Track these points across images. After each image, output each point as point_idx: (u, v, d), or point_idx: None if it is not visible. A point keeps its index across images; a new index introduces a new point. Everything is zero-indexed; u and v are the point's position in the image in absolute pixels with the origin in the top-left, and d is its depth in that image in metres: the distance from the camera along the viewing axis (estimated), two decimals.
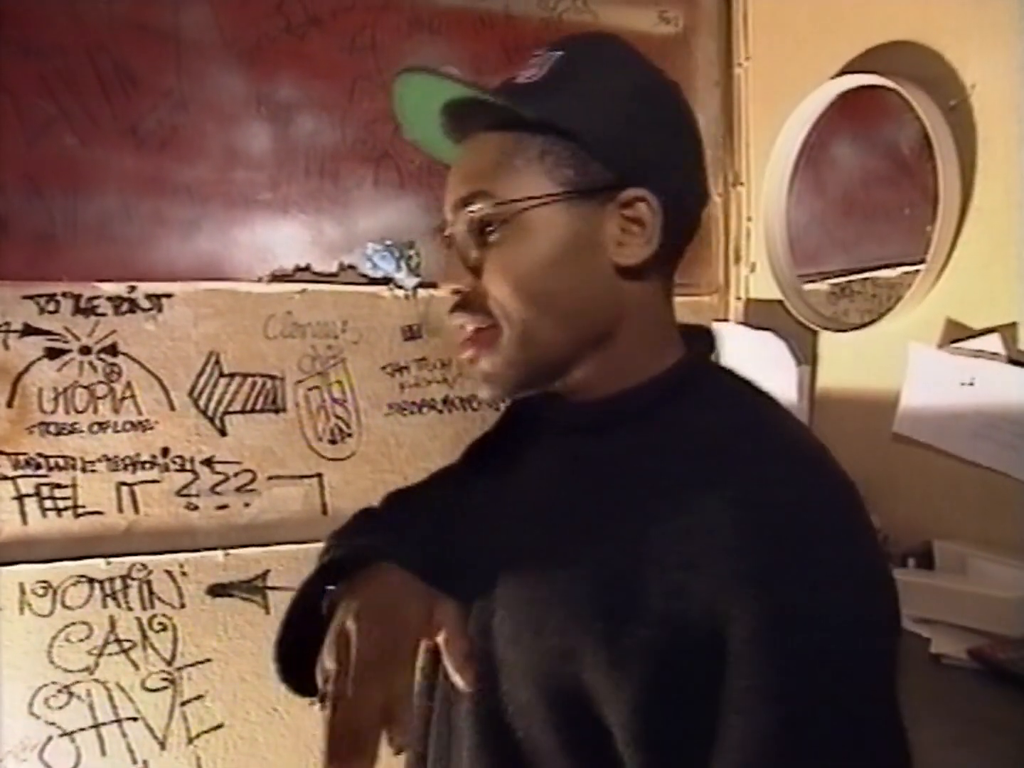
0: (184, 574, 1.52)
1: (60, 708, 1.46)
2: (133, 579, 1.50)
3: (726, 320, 1.84)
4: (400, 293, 1.63)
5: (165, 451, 1.51)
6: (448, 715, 0.68)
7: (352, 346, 1.62)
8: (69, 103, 1.42)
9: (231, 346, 1.55)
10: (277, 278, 1.56)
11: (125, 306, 1.49)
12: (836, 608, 0.50)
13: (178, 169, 1.49)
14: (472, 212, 0.61)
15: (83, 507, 1.47)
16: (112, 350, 1.48)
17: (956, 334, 1.29)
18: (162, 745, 1.52)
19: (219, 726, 1.55)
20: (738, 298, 1.84)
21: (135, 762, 1.50)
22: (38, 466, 1.44)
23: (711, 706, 0.50)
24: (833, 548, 0.52)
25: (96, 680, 1.48)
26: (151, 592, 1.51)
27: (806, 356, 1.60)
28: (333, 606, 0.59)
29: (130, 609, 1.50)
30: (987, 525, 1.22)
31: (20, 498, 1.44)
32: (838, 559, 0.52)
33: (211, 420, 1.54)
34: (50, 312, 1.44)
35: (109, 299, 1.48)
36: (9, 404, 1.43)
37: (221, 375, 1.54)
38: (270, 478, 1.58)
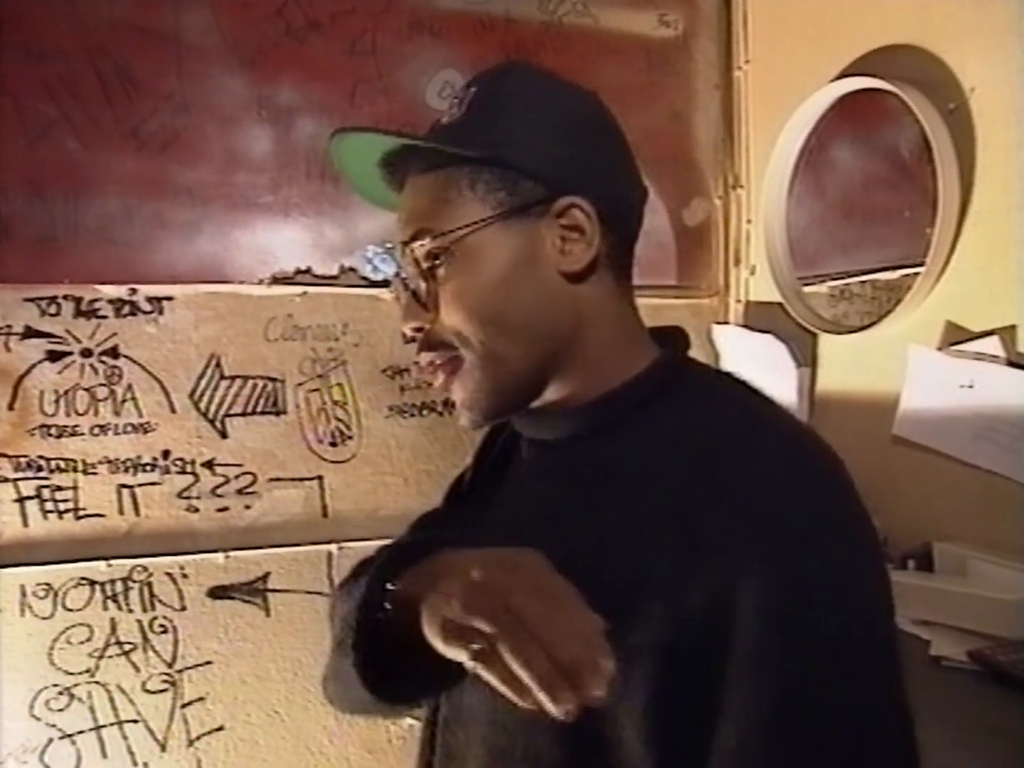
0: (185, 576, 1.52)
1: (61, 710, 1.46)
2: (134, 581, 1.50)
3: (726, 322, 1.84)
4: None
5: (166, 453, 1.51)
6: (452, 726, 0.68)
7: (353, 348, 1.62)
8: (70, 106, 1.42)
9: (232, 348, 1.55)
10: (278, 281, 1.57)
11: (126, 309, 1.49)
12: (835, 592, 0.52)
13: (179, 172, 1.49)
14: (415, 249, 0.63)
15: (84, 509, 1.47)
16: (113, 353, 1.48)
17: (956, 336, 1.29)
18: (163, 747, 1.52)
19: (220, 728, 1.55)
20: (738, 300, 1.84)
21: (135, 764, 1.50)
22: (39, 468, 1.45)
23: (718, 699, 0.51)
24: (826, 535, 0.53)
25: (97, 682, 1.48)
26: (152, 594, 1.51)
27: (806, 358, 1.61)
28: (403, 600, 0.55)
29: (131, 611, 1.50)
30: (987, 527, 1.22)
31: (21, 500, 1.44)
32: (831, 546, 0.53)
33: (212, 422, 1.54)
34: (51, 315, 1.45)
35: (110, 302, 1.48)
36: (10, 407, 1.43)
37: (222, 377, 1.54)
38: (271, 480, 1.58)
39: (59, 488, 1.46)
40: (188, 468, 1.52)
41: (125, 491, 1.49)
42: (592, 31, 1.72)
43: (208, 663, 1.54)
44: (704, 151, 1.85)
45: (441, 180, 0.63)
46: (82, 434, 1.47)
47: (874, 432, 1.39)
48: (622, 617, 0.54)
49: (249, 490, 1.56)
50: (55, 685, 1.46)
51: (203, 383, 1.53)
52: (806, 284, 1.61)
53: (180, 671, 1.53)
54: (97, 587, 1.48)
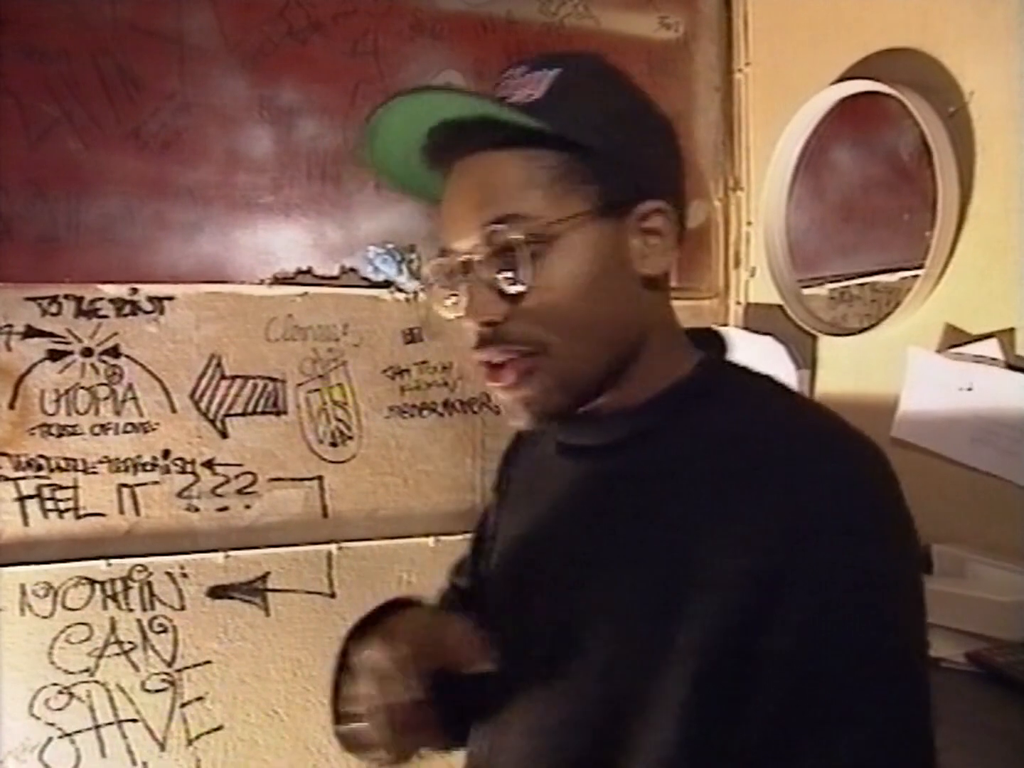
0: (184, 576, 1.53)
1: (60, 709, 1.46)
2: (134, 581, 1.50)
3: (726, 324, 1.85)
4: (401, 296, 1.64)
5: (166, 453, 1.52)
6: (476, 733, 0.70)
7: (353, 349, 1.62)
8: (72, 106, 1.42)
9: (232, 348, 1.55)
10: (279, 281, 1.57)
11: (127, 308, 1.49)
12: (873, 604, 0.52)
13: (180, 172, 1.49)
14: (503, 235, 0.58)
15: (84, 509, 1.47)
16: (114, 352, 1.48)
17: (954, 339, 1.29)
18: (162, 747, 1.52)
19: (219, 728, 1.55)
20: (738, 302, 1.84)
21: (135, 763, 1.50)
22: (39, 468, 1.45)
23: (750, 698, 0.51)
24: (870, 545, 0.53)
25: (96, 681, 1.48)
26: (151, 594, 1.51)
27: (805, 360, 1.61)
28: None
29: (130, 611, 1.50)
30: (985, 529, 1.23)
31: (21, 499, 1.44)
32: (873, 556, 0.52)
33: (212, 422, 1.54)
34: (52, 314, 1.45)
35: (111, 301, 1.48)
36: (11, 406, 1.43)
37: (222, 377, 1.55)
38: (271, 480, 1.58)
39: (59, 487, 1.46)
40: (188, 468, 1.53)
41: (125, 490, 1.49)
42: (593, 33, 1.72)
43: (207, 663, 1.55)
44: (704, 153, 1.86)
45: (530, 163, 0.59)
46: (82, 433, 1.47)
47: (873, 434, 1.37)
48: (666, 617, 0.54)
49: (249, 490, 1.56)
50: (55, 684, 1.46)
51: (204, 383, 1.54)
52: (806, 286, 1.62)
53: (179, 670, 1.53)
54: (97, 586, 1.48)
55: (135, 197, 1.47)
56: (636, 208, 0.61)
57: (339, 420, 1.62)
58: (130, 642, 1.50)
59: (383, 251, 1.62)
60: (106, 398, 1.48)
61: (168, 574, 1.52)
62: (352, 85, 1.58)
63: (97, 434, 1.48)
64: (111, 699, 1.49)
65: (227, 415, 1.55)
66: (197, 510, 1.53)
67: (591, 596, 0.60)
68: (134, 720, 1.50)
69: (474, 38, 1.64)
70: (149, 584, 1.51)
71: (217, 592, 1.55)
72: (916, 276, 1.32)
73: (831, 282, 1.57)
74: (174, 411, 1.52)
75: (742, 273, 1.84)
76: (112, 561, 1.48)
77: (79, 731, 1.47)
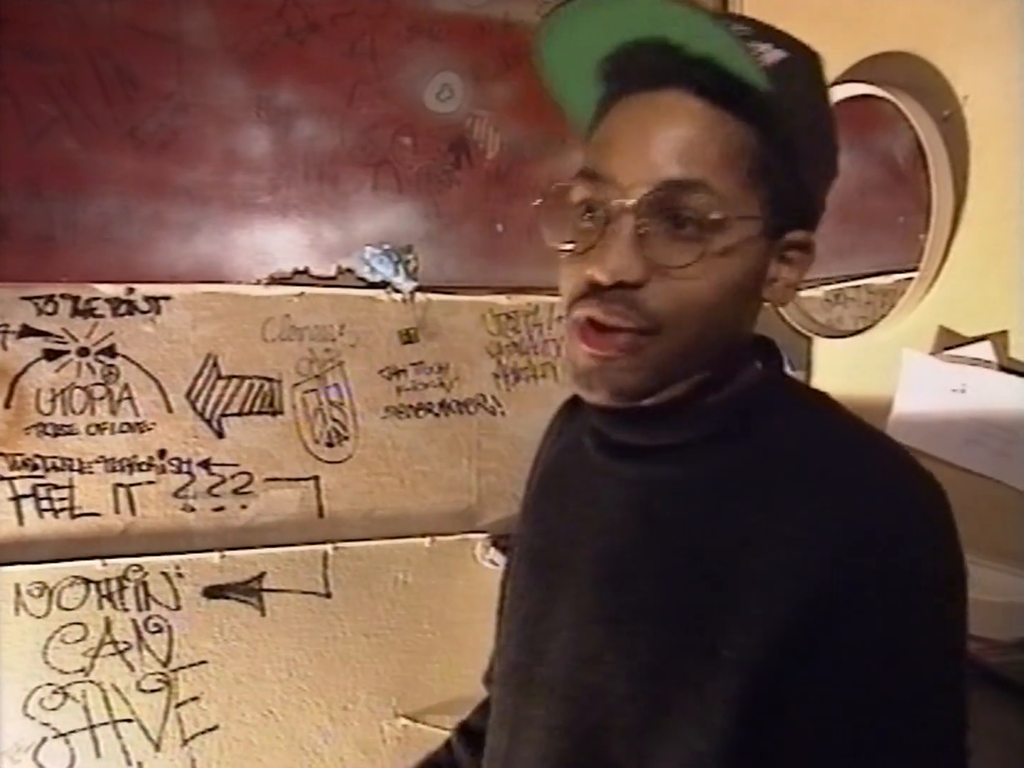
0: (180, 576, 1.53)
1: (55, 709, 1.46)
2: (129, 580, 1.50)
3: None
4: (398, 297, 1.64)
5: (162, 453, 1.52)
6: (499, 730, 0.67)
7: (349, 349, 1.62)
8: (70, 105, 1.42)
9: (229, 348, 1.55)
10: (275, 281, 1.57)
11: (123, 308, 1.49)
12: (929, 620, 0.50)
13: (178, 172, 1.49)
14: (691, 202, 0.51)
15: (80, 508, 1.47)
16: (110, 352, 1.48)
17: (948, 341, 1.30)
18: (157, 747, 1.52)
19: (214, 728, 1.55)
20: None
21: (130, 764, 1.50)
22: (35, 467, 1.45)
23: (790, 717, 0.50)
24: (928, 559, 0.51)
25: (91, 681, 1.48)
26: (147, 593, 1.51)
27: (801, 362, 1.61)
28: None
29: (126, 610, 1.50)
30: (978, 531, 1.22)
31: (17, 499, 1.44)
32: (931, 571, 0.51)
33: (208, 422, 1.54)
34: (48, 313, 1.45)
35: (107, 301, 1.48)
36: (7, 405, 1.43)
37: (219, 377, 1.55)
38: (267, 480, 1.58)
39: (55, 487, 1.46)
40: (184, 467, 1.53)
41: (121, 490, 1.49)
42: None
43: (203, 662, 1.55)
44: None
45: (740, 136, 0.52)
46: (78, 433, 1.47)
47: None
48: (710, 630, 0.53)
49: (245, 490, 1.56)
50: (49, 684, 1.46)
51: (200, 383, 1.54)
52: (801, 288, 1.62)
53: (175, 670, 1.53)
54: (92, 586, 1.48)
55: (132, 197, 1.47)
56: (789, 234, 0.57)
57: (335, 420, 1.62)
58: (125, 642, 1.50)
59: (380, 252, 1.62)
60: (102, 398, 1.48)
61: (164, 574, 1.52)
62: (350, 86, 1.58)
63: (93, 434, 1.48)
64: (106, 699, 1.49)
65: (223, 415, 1.55)
66: (193, 510, 1.53)
67: (631, 600, 0.58)
68: (129, 720, 1.50)
69: (471, 40, 1.64)
70: (144, 584, 1.51)
71: (213, 592, 1.55)
72: (910, 279, 1.33)
73: (826, 284, 1.58)
74: (170, 411, 1.52)
75: None
76: (107, 561, 1.48)
77: (74, 731, 1.47)
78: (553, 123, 1.68)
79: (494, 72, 1.65)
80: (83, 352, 1.47)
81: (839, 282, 1.55)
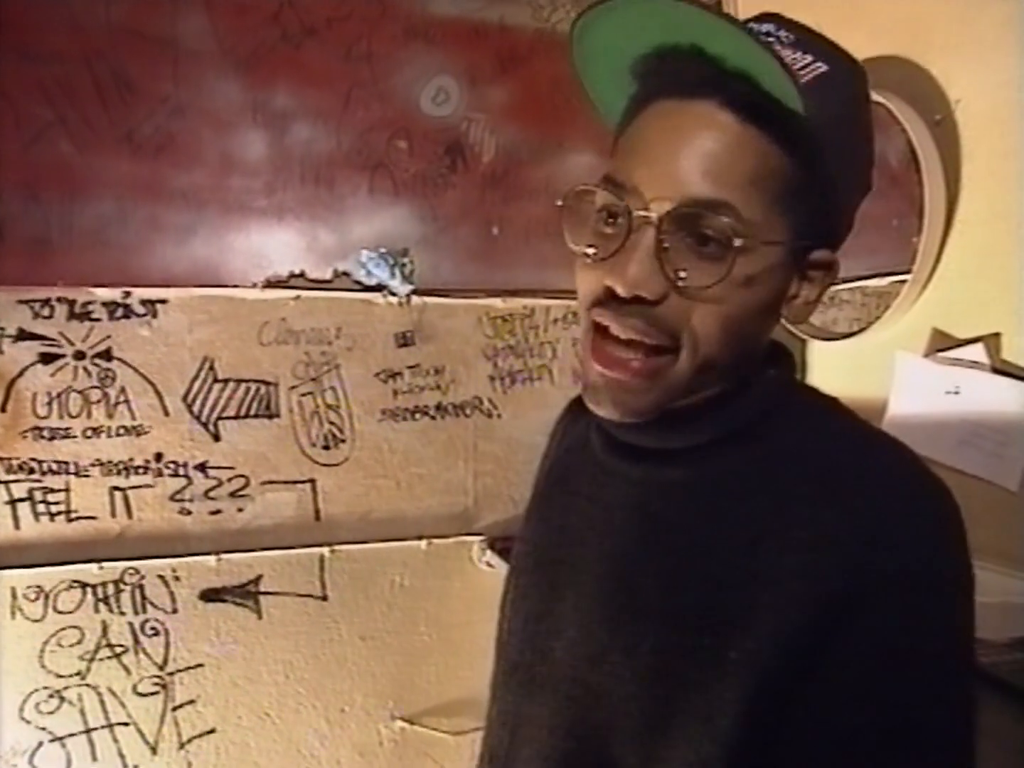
0: (177, 579, 1.53)
1: (51, 713, 1.46)
2: (125, 584, 1.50)
3: None
4: (394, 300, 1.64)
5: (159, 456, 1.52)
6: (499, 729, 0.67)
7: (346, 352, 1.63)
8: (66, 109, 1.42)
9: (225, 352, 1.55)
10: (272, 284, 1.57)
11: (120, 311, 1.49)
12: (939, 623, 0.51)
13: (174, 175, 1.49)
14: (715, 223, 0.50)
15: (76, 512, 1.47)
16: (106, 355, 1.48)
17: (942, 343, 1.31)
18: (153, 750, 1.52)
19: (211, 731, 1.55)
20: None
21: (126, 767, 1.50)
22: (31, 471, 1.44)
23: (795, 719, 0.50)
24: (937, 562, 0.51)
25: (87, 685, 1.48)
26: (143, 597, 1.51)
27: (796, 365, 1.62)
28: None
29: (122, 614, 1.50)
30: (971, 531, 1.23)
31: (13, 503, 1.44)
32: (940, 573, 0.51)
33: (205, 425, 1.54)
34: (44, 317, 1.45)
35: (104, 304, 1.48)
36: (3, 408, 1.43)
37: (215, 381, 1.55)
38: (263, 483, 1.58)
39: (51, 490, 1.46)
40: (181, 471, 1.53)
41: (117, 493, 1.49)
42: None
43: (199, 666, 1.54)
44: None
45: (772, 158, 0.50)
46: (75, 436, 1.47)
47: None
48: (720, 631, 0.52)
49: (242, 493, 1.57)
50: (45, 688, 1.46)
51: (196, 386, 1.54)
52: None
53: (171, 674, 1.53)
54: (88, 589, 1.48)
55: (128, 200, 1.47)
56: (813, 253, 0.56)
57: (331, 423, 1.62)
58: (121, 645, 1.50)
59: (376, 255, 1.62)
60: (98, 401, 1.48)
61: (160, 577, 1.52)
62: (345, 89, 1.58)
63: (89, 437, 1.47)
64: (102, 703, 1.49)
65: (220, 418, 1.55)
66: (189, 513, 1.53)
67: (636, 600, 0.58)
68: (125, 724, 1.50)
69: (467, 43, 1.65)
70: (141, 587, 1.51)
71: (209, 595, 1.55)
72: (904, 281, 1.34)
73: None
74: (167, 414, 1.52)
75: None
76: (104, 564, 1.48)
77: (70, 735, 1.47)
78: (549, 126, 1.69)
79: (490, 75, 1.66)
80: (79, 356, 1.47)
81: (834, 284, 1.55)
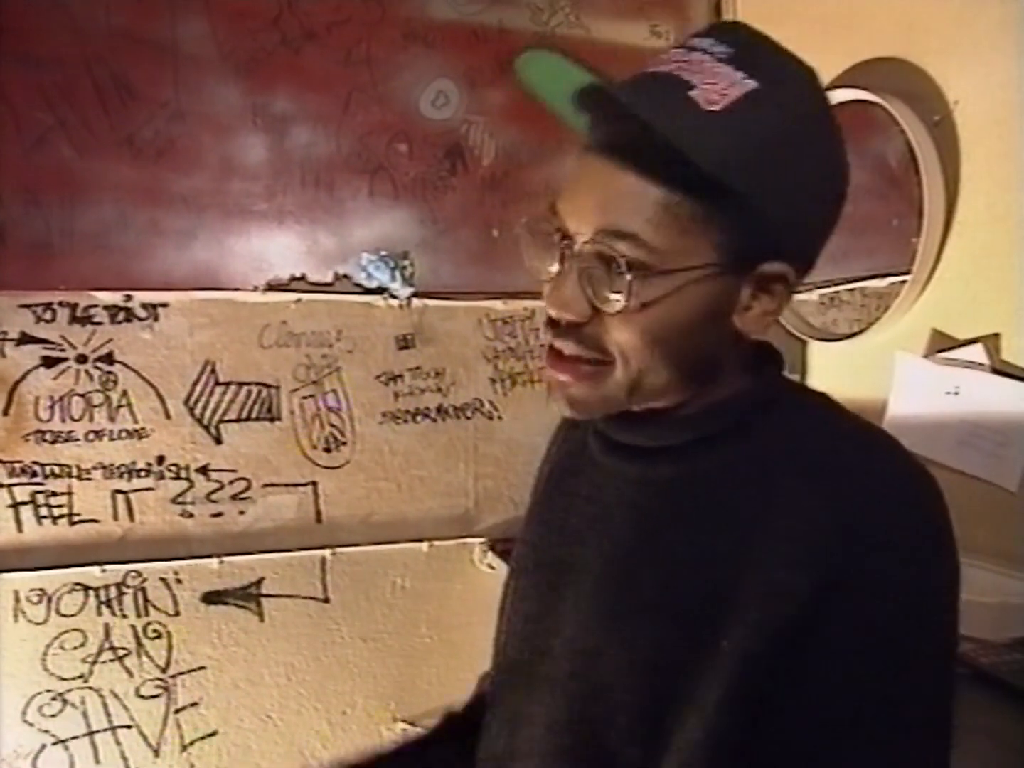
0: (179, 581, 1.53)
1: (54, 716, 1.47)
2: (128, 587, 1.50)
3: None
4: (394, 303, 1.65)
5: (160, 459, 1.52)
6: (496, 728, 0.69)
7: (346, 355, 1.63)
8: (67, 114, 1.43)
9: (226, 355, 1.56)
10: (272, 288, 1.58)
11: (121, 315, 1.50)
12: (923, 614, 0.52)
13: (174, 179, 1.50)
14: (615, 251, 0.54)
15: (78, 515, 1.48)
16: (108, 359, 1.49)
17: (941, 344, 1.31)
18: (156, 752, 1.52)
19: (213, 733, 1.56)
20: None
21: None
22: (34, 474, 1.45)
23: (783, 704, 0.52)
24: (923, 553, 0.53)
25: (90, 688, 1.48)
26: (146, 599, 1.51)
27: (795, 365, 1.62)
28: None
29: (124, 617, 1.50)
30: (970, 531, 1.23)
31: (15, 506, 1.44)
32: (926, 565, 0.53)
33: (206, 428, 1.55)
34: (47, 321, 1.45)
35: (105, 308, 1.49)
36: (5, 412, 1.43)
37: (216, 384, 1.55)
38: (265, 486, 1.58)
39: (54, 493, 1.46)
40: (183, 474, 1.53)
41: (120, 496, 1.50)
42: (584, 42, 1.74)
43: (202, 668, 1.55)
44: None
45: (671, 196, 0.53)
46: (77, 440, 1.47)
47: None
48: (712, 622, 0.54)
49: (243, 495, 1.57)
50: (48, 691, 1.46)
51: (198, 389, 1.54)
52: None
53: (174, 676, 1.53)
54: (91, 592, 1.48)
55: (129, 204, 1.47)
56: (762, 266, 0.56)
57: (333, 426, 1.63)
58: (124, 648, 1.50)
59: (376, 258, 1.63)
60: (100, 404, 1.48)
61: (162, 580, 1.52)
62: (345, 93, 1.59)
63: (91, 440, 1.48)
64: (105, 705, 1.49)
65: (221, 421, 1.56)
66: (191, 516, 1.54)
67: (632, 596, 0.59)
68: (128, 726, 1.51)
69: (466, 47, 1.65)
70: (143, 590, 1.51)
71: (211, 598, 1.55)
72: (904, 282, 1.34)
73: (821, 287, 1.58)
74: (168, 417, 1.52)
75: None
76: (106, 567, 1.48)
77: (73, 737, 1.47)
78: (548, 129, 1.69)
79: (489, 79, 1.66)
80: (81, 359, 1.47)
81: (833, 285, 1.56)
